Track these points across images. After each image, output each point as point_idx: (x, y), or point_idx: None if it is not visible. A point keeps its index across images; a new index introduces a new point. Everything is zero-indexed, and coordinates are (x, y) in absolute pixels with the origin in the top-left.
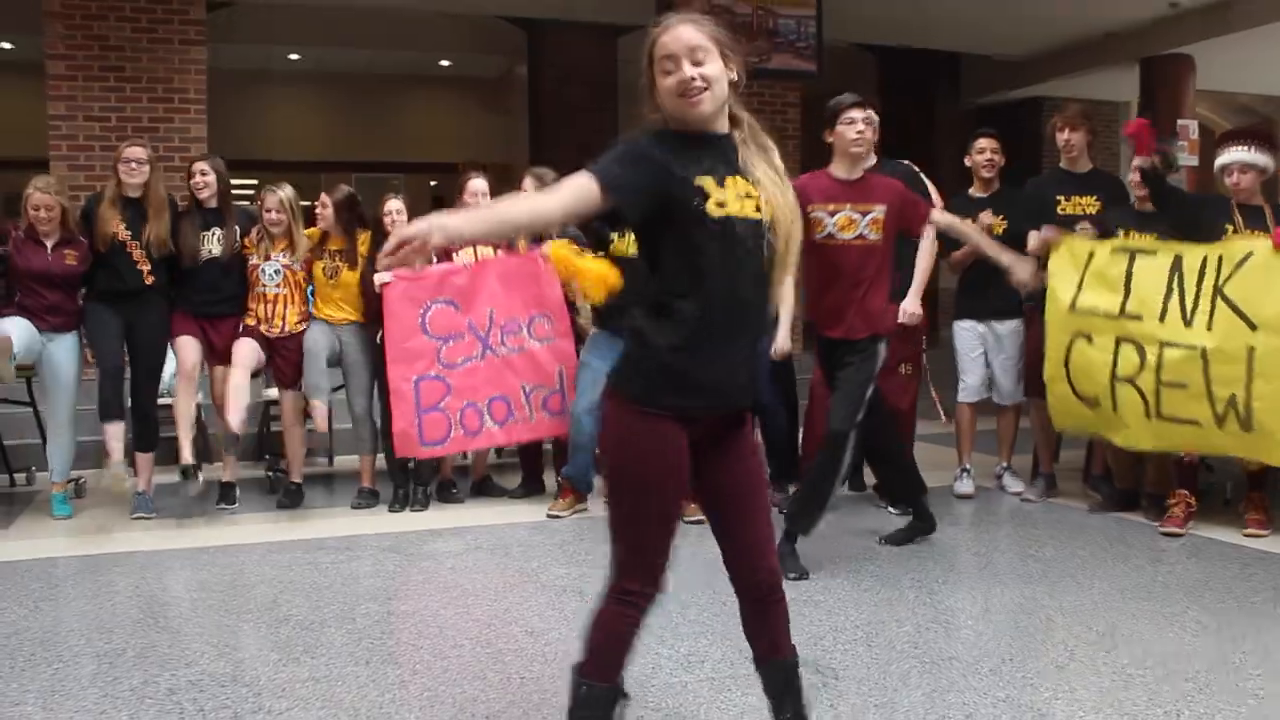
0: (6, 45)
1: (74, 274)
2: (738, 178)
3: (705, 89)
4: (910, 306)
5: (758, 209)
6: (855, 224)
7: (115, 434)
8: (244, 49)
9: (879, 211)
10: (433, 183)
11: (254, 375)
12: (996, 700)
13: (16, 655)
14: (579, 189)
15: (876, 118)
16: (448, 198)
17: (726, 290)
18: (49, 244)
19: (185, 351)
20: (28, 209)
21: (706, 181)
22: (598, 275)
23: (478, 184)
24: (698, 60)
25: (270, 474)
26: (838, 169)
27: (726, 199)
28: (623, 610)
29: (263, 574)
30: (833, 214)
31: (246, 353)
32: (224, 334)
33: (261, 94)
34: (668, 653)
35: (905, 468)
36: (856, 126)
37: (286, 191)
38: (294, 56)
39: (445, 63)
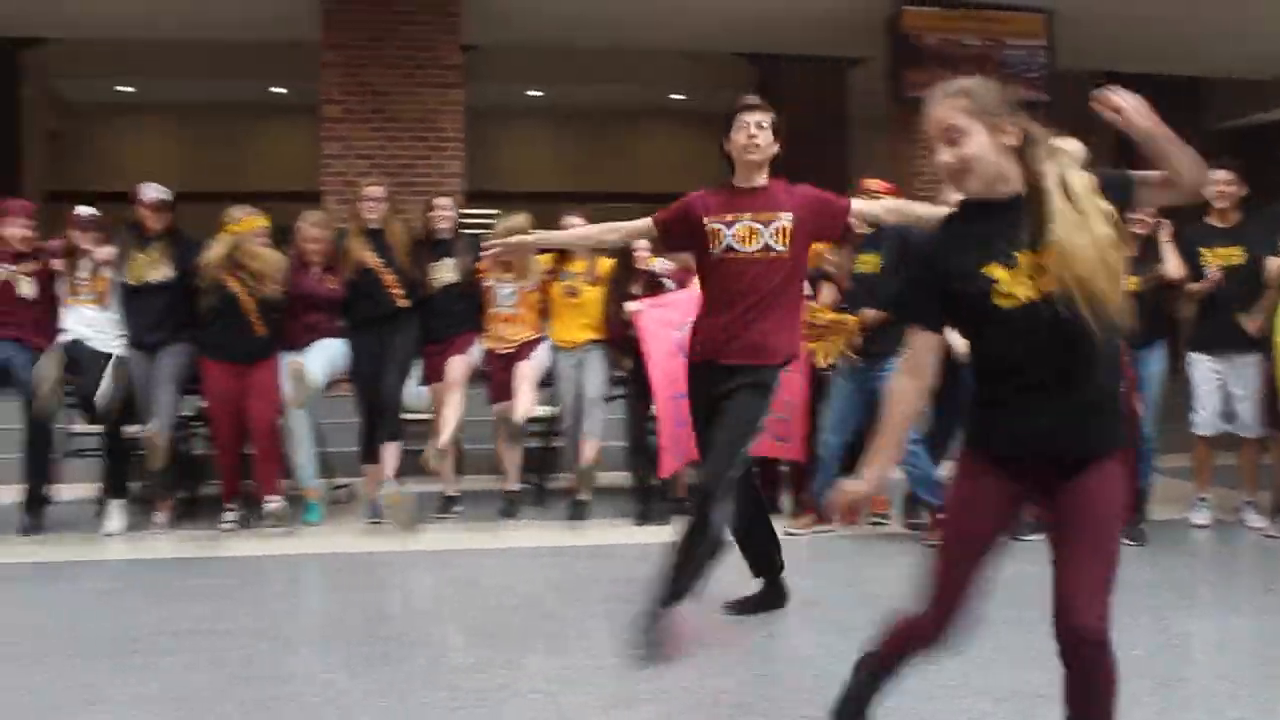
0: (283, 90)
1: (334, 297)
2: (1026, 253)
3: (964, 170)
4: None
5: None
6: (758, 235)
7: (388, 455)
8: (488, 87)
9: (785, 220)
10: None
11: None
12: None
13: (305, 634)
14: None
15: (769, 121)
16: None
17: (1029, 360)
18: (315, 270)
19: (453, 369)
20: (299, 240)
21: (993, 269)
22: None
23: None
24: (952, 140)
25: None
26: (738, 178)
27: (1015, 288)
28: (912, 624)
29: (528, 575)
30: (730, 225)
31: (461, 370)
32: (453, 354)
33: (502, 129)
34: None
35: (765, 535)
36: (748, 131)
37: (518, 221)
38: (534, 93)
39: (677, 96)
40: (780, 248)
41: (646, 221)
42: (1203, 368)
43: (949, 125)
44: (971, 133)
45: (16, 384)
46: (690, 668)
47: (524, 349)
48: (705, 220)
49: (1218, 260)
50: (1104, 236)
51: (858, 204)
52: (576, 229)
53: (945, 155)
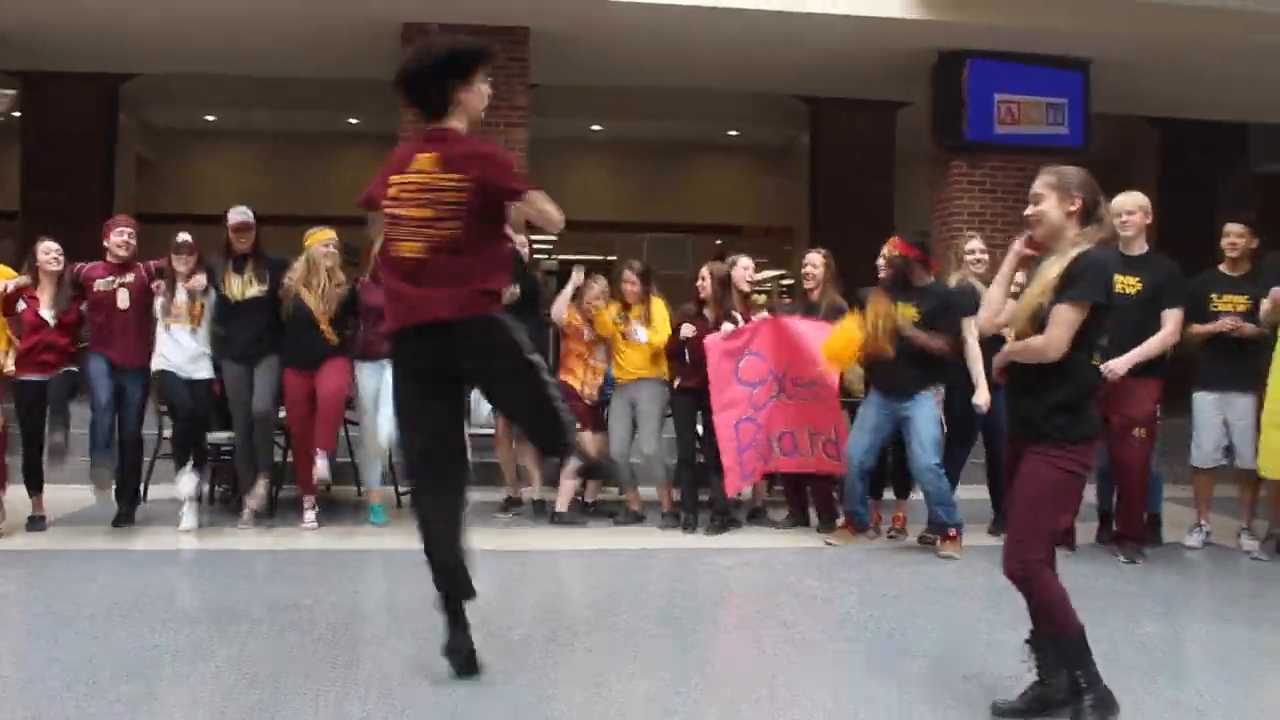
0: (354, 121)
1: None
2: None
3: (1037, 222)
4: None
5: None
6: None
7: None
8: (551, 122)
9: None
10: (718, 241)
11: None
12: (1162, 700)
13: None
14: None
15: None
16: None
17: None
18: None
19: None
20: (372, 257)
21: None
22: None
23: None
24: (1036, 201)
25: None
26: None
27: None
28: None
29: (565, 573)
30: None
31: None
32: None
33: (565, 161)
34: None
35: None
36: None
37: (601, 284)
38: (595, 127)
39: (733, 132)
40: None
41: None
42: (1205, 405)
43: (1035, 191)
44: (1049, 197)
45: (120, 406)
46: (726, 649)
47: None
48: None
49: (1225, 307)
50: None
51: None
52: None
53: (1029, 209)
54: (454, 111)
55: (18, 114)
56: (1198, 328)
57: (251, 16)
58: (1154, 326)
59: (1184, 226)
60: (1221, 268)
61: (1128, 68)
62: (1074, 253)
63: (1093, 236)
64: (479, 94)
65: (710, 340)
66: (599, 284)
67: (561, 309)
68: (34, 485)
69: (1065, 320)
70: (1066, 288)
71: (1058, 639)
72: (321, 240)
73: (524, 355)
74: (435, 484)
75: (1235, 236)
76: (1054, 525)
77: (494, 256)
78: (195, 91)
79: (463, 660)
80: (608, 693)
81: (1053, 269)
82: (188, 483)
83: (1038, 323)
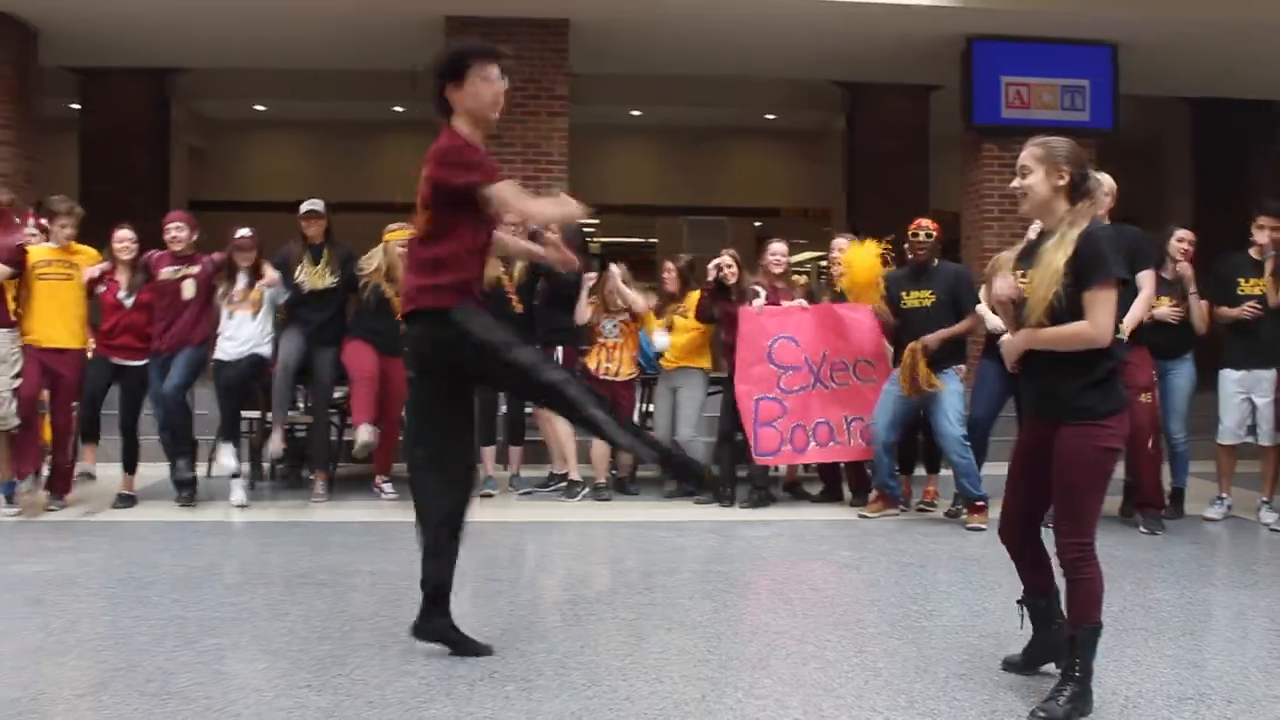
0: (399, 109)
1: None
2: (1025, 271)
3: (1024, 195)
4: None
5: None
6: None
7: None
8: (592, 109)
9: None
10: (756, 224)
11: None
12: (1162, 656)
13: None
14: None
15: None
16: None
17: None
18: None
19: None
20: None
21: (1019, 273)
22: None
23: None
24: (1023, 174)
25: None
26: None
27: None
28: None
29: (615, 543)
30: None
31: None
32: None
33: (605, 146)
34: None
35: None
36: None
37: (620, 270)
38: (635, 113)
39: (770, 116)
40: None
41: None
42: (1229, 383)
43: (1021, 163)
44: (1036, 169)
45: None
46: (754, 608)
47: (627, 386)
48: None
49: (1252, 291)
50: (1050, 280)
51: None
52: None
53: (1015, 183)
54: (457, 112)
55: (77, 107)
56: (1224, 311)
57: (298, 11)
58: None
59: (1217, 205)
60: (1251, 252)
61: (1158, 48)
62: (1074, 234)
63: (1086, 214)
64: (474, 91)
65: (745, 310)
66: (619, 270)
67: (583, 314)
68: (130, 464)
69: (1107, 302)
70: (1088, 272)
71: (1081, 624)
72: (399, 240)
73: (501, 356)
74: (439, 481)
75: (1272, 230)
76: (1100, 504)
77: (462, 249)
78: (244, 83)
79: (432, 639)
80: (646, 645)
81: (1057, 256)
82: (227, 456)
83: (1053, 312)
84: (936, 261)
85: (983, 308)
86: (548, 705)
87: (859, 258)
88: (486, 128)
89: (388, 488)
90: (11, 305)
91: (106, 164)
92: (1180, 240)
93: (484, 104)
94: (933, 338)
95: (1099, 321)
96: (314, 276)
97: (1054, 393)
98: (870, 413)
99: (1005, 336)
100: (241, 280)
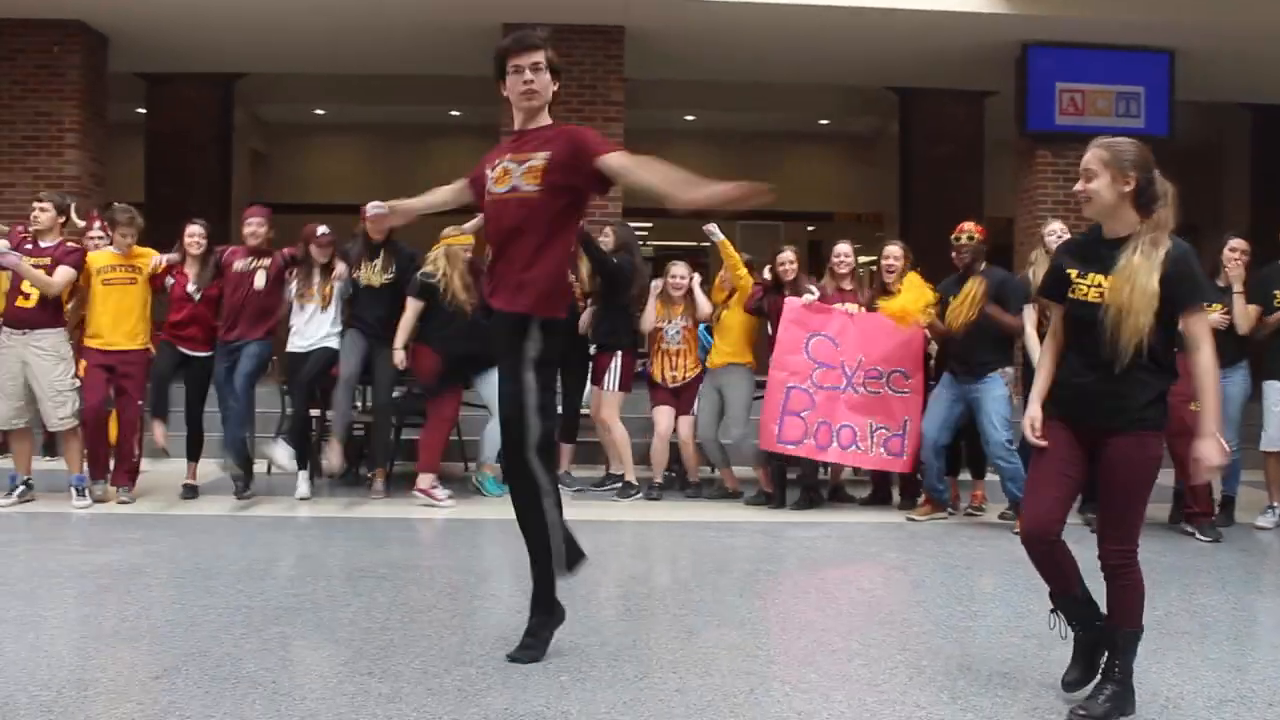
0: (456, 113)
1: None
2: (1097, 275)
3: (1088, 200)
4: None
5: (1101, 296)
6: (509, 175)
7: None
8: (646, 112)
9: (539, 159)
10: (810, 228)
11: None
12: (1205, 659)
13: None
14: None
15: (543, 61)
16: (825, 244)
17: (1081, 346)
18: None
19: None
20: None
21: (1073, 273)
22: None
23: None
24: (1088, 177)
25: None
26: (517, 122)
27: (1082, 289)
28: (1138, 566)
29: (658, 542)
30: (494, 168)
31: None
32: (600, 364)
33: (659, 150)
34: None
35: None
36: (523, 77)
37: (680, 268)
38: (689, 118)
39: (823, 121)
40: (529, 187)
41: (461, 180)
42: (1274, 392)
43: (1086, 166)
44: (1102, 174)
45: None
46: (805, 608)
47: (690, 387)
48: (484, 167)
49: None
50: (1142, 292)
51: (614, 156)
52: (425, 196)
53: (1079, 185)
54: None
55: (143, 111)
56: (1269, 319)
57: (358, 18)
58: None
59: (1276, 210)
60: None
61: (1218, 55)
62: (1161, 254)
63: (1166, 226)
64: (510, 84)
65: (790, 300)
66: (677, 268)
67: (650, 320)
68: (193, 454)
69: (1207, 325)
70: (1185, 296)
71: (1121, 628)
72: (463, 244)
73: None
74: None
75: None
76: (1145, 511)
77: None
78: (305, 88)
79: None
80: (697, 640)
81: (1151, 279)
82: (282, 453)
83: (1138, 334)
84: (984, 265)
85: (1030, 334)
86: (600, 695)
87: (910, 303)
88: (524, 118)
89: (438, 493)
90: (67, 307)
91: (170, 167)
92: (1233, 250)
93: (514, 95)
94: (992, 309)
95: (1208, 348)
96: (369, 273)
97: (1125, 404)
98: (897, 425)
99: (1207, 445)
100: (316, 275)
